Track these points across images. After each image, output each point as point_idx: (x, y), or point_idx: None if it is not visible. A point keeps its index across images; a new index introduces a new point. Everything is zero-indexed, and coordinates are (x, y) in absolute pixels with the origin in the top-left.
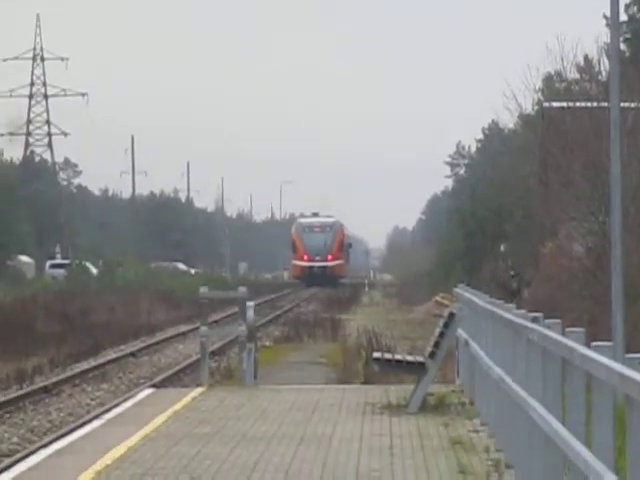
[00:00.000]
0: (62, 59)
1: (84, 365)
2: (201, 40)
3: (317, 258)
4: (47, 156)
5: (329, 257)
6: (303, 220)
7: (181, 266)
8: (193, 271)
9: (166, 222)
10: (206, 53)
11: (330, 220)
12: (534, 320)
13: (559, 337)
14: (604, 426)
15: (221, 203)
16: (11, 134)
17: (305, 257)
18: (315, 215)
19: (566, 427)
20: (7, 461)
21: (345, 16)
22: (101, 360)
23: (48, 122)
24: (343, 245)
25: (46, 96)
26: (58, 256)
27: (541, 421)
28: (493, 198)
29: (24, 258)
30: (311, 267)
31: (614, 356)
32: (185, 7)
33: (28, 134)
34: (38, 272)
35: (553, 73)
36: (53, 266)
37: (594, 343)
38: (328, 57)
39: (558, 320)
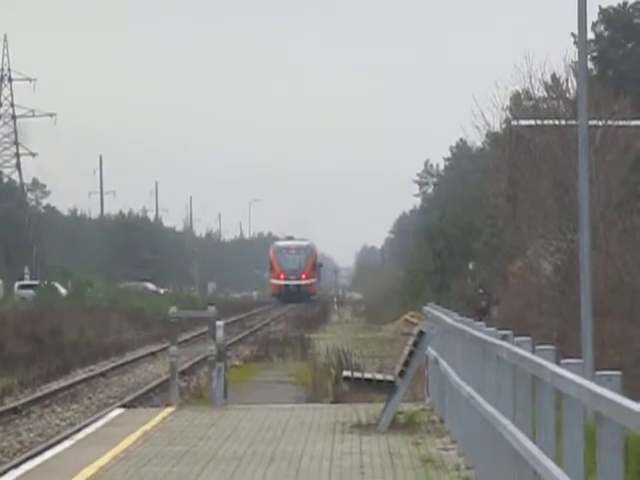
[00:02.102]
0: (30, 80)
1: (54, 385)
2: (168, 58)
3: (292, 277)
4: (15, 177)
5: (303, 276)
6: (280, 243)
7: (150, 286)
8: (162, 291)
9: (135, 242)
10: (174, 71)
11: (304, 243)
12: (503, 338)
13: (529, 355)
14: (574, 443)
15: (190, 222)
16: None
17: (282, 276)
18: (290, 238)
19: (536, 444)
20: None
21: (315, 36)
22: (71, 380)
23: (16, 143)
24: (315, 265)
25: (14, 117)
26: (27, 277)
27: (511, 438)
28: (462, 216)
29: None
30: (287, 285)
31: (584, 373)
32: (150, 25)
33: None
34: (7, 293)
35: (521, 91)
36: (22, 287)
37: (564, 360)
38: (296, 78)
39: (528, 338)
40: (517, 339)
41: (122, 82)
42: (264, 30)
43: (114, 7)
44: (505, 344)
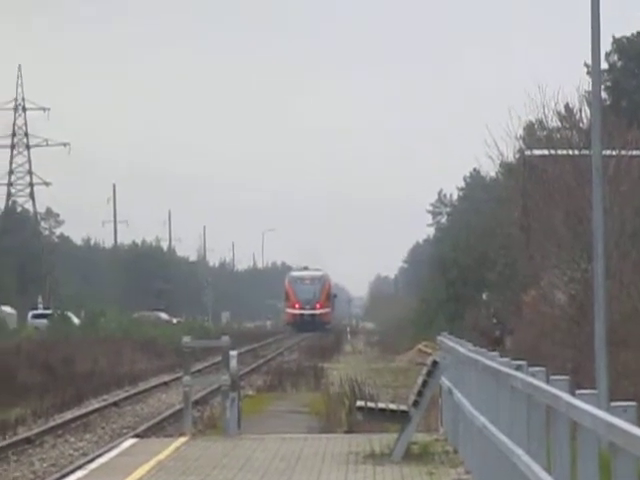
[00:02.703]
0: (44, 109)
1: (67, 415)
2: (183, 90)
3: (307, 307)
4: (29, 206)
5: (318, 306)
6: (295, 273)
7: (163, 315)
8: (175, 320)
9: (148, 271)
10: (187, 103)
11: (318, 273)
12: (518, 368)
13: (543, 385)
14: (589, 474)
15: (203, 252)
16: None
17: (297, 306)
18: (305, 269)
19: (551, 475)
20: None
21: (329, 67)
22: (84, 410)
23: (30, 172)
24: (329, 295)
25: (28, 146)
26: (40, 306)
27: (526, 469)
28: (475, 246)
29: (6, 308)
30: (302, 315)
31: (599, 404)
32: (165, 57)
33: (10, 184)
34: (20, 322)
35: (534, 121)
36: (35, 316)
37: (578, 391)
38: (309, 107)
39: (542, 368)
40: (531, 369)
41: (136, 112)
42: (279, 63)
43: (128, 38)
44: (519, 374)
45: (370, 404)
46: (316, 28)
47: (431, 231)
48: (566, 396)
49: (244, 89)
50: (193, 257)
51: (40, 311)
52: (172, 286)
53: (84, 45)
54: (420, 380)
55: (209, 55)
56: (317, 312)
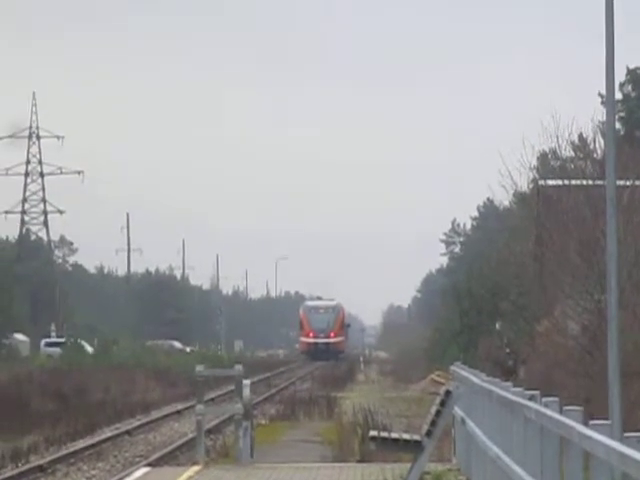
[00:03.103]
0: (58, 137)
1: (80, 443)
2: (196, 119)
3: (321, 335)
4: (43, 234)
5: (332, 335)
6: (309, 303)
7: (177, 344)
8: (188, 349)
9: (162, 300)
10: (201, 131)
11: (332, 303)
12: (531, 398)
13: (557, 415)
14: None
15: (216, 281)
16: (7, 212)
17: (311, 335)
18: (319, 298)
19: None
20: None
21: (344, 99)
22: (97, 438)
23: (44, 200)
24: (343, 324)
25: (42, 174)
26: (53, 334)
27: None
28: (489, 276)
29: (20, 336)
30: (316, 343)
31: (612, 435)
32: (180, 88)
33: (24, 212)
34: (33, 350)
35: (548, 151)
36: (48, 344)
37: (592, 421)
38: (325, 140)
39: (555, 398)
40: (544, 399)
41: (150, 140)
42: (292, 98)
43: (142, 65)
44: (533, 404)
45: (383, 434)
46: (317, 60)
47: (445, 260)
48: (579, 426)
49: (257, 121)
50: (206, 285)
51: (53, 339)
52: (185, 314)
53: (100, 74)
54: (433, 410)
55: (225, 93)
56: (331, 341)
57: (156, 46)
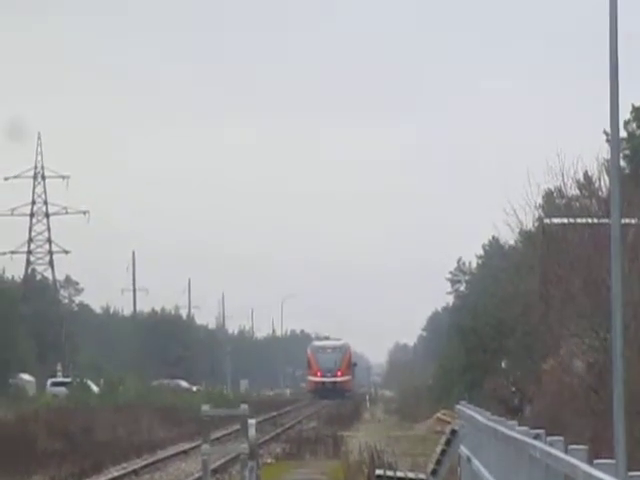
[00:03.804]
0: (63, 177)
1: None
2: (198, 158)
3: (329, 374)
4: (48, 274)
5: (339, 374)
6: (317, 342)
7: (183, 383)
8: (195, 388)
9: (167, 339)
10: (204, 170)
11: (339, 343)
12: (536, 437)
13: (562, 454)
14: None
15: (222, 320)
16: (12, 252)
17: (319, 373)
18: (327, 338)
19: None
20: None
21: (344, 130)
22: (103, 478)
23: (49, 240)
24: (350, 363)
25: (47, 214)
26: (59, 374)
27: None
28: (494, 314)
29: (25, 376)
30: (324, 382)
31: (617, 474)
32: (183, 130)
33: (29, 252)
34: (39, 390)
35: (553, 189)
36: (54, 384)
37: (597, 460)
38: (326, 172)
39: (560, 437)
40: (550, 438)
41: (153, 179)
42: (292, 124)
43: (148, 106)
44: (538, 443)
45: (389, 472)
46: (325, 97)
47: (450, 299)
48: (584, 466)
49: (261, 155)
50: (212, 324)
51: (59, 379)
52: (191, 353)
53: (102, 112)
54: (439, 449)
55: (224, 128)
56: (338, 380)
57: (158, 74)
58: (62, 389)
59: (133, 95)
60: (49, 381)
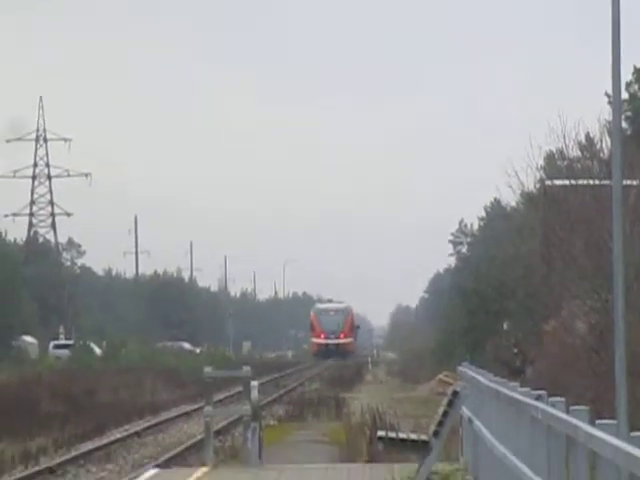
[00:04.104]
0: (65, 140)
1: (89, 445)
2: (201, 121)
3: (332, 337)
4: (50, 237)
5: (342, 336)
6: (321, 305)
7: (186, 345)
8: (198, 350)
9: (170, 301)
10: (206, 132)
11: (342, 305)
12: (538, 398)
13: (563, 415)
14: None
15: (224, 282)
16: (14, 215)
17: (322, 336)
18: (330, 301)
19: None
20: None
21: (352, 94)
22: (105, 440)
23: (51, 203)
24: (353, 326)
25: (49, 177)
26: (62, 336)
27: None
28: (496, 276)
29: (28, 338)
30: (327, 344)
31: (618, 434)
32: (185, 89)
33: (31, 215)
34: (42, 352)
35: (555, 151)
36: (57, 347)
37: (598, 421)
38: (330, 135)
39: (562, 398)
40: (551, 399)
41: (156, 142)
42: (293, 92)
43: (150, 67)
44: (539, 404)
45: (391, 434)
46: (328, 66)
47: (452, 261)
48: (585, 426)
49: (263, 118)
50: (214, 287)
51: (62, 341)
52: (193, 316)
53: (108, 76)
54: (441, 410)
55: (227, 93)
56: (341, 342)
57: (157, 48)
58: (65, 351)
59: (132, 54)
60: (51, 343)
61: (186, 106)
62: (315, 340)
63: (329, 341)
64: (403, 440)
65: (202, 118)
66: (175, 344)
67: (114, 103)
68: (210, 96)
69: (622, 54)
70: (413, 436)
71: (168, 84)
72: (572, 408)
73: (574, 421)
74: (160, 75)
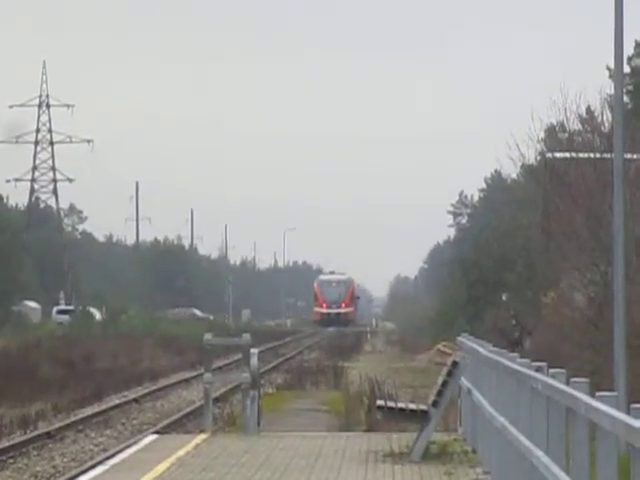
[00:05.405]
0: (68, 106)
1: (87, 411)
2: (206, 93)
3: (334, 306)
4: (52, 202)
5: (343, 305)
6: (323, 276)
7: (198, 312)
8: (212, 317)
9: (170, 269)
10: (211, 103)
11: (344, 277)
12: (538, 370)
13: (563, 387)
14: (608, 475)
15: (225, 250)
16: (16, 180)
17: (324, 305)
18: (332, 273)
19: (570, 476)
20: None
21: (348, 74)
22: (104, 406)
23: (53, 168)
24: (354, 296)
25: (52, 143)
26: (62, 302)
27: (545, 470)
28: (495, 248)
29: (31, 303)
30: (329, 313)
31: (618, 406)
32: (189, 56)
33: (33, 180)
34: (44, 317)
35: (556, 123)
36: (60, 312)
37: (598, 393)
38: (327, 114)
39: (562, 370)
40: (551, 371)
41: (159, 109)
42: (289, 71)
43: (151, 37)
44: (540, 376)
45: (390, 403)
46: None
47: (452, 232)
48: (585, 398)
49: (265, 95)
50: (215, 255)
51: (65, 307)
52: (193, 284)
53: (112, 42)
54: (440, 380)
55: (240, 71)
56: (342, 311)
57: (163, 18)
58: (66, 317)
59: (134, 28)
60: (55, 309)
61: (192, 77)
62: (317, 309)
63: (331, 310)
64: (402, 410)
65: (206, 90)
66: (187, 310)
67: (120, 70)
68: (214, 69)
69: (624, 28)
70: (412, 406)
71: (173, 53)
72: (572, 380)
73: (574, 393)
74: (164, 45)
